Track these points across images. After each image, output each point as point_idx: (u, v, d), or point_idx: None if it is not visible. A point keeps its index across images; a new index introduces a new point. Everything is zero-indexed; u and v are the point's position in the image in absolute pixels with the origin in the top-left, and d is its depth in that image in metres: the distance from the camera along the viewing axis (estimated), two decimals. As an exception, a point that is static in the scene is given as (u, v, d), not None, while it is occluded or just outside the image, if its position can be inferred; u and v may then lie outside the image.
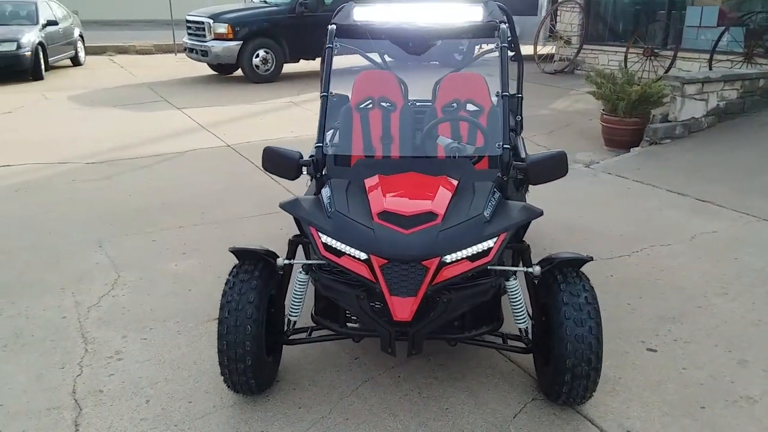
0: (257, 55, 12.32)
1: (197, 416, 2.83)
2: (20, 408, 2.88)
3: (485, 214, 2.69)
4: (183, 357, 3.27)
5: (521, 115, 4.36)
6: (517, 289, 2.82)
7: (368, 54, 4.45)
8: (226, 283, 2.79)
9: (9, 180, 6.29)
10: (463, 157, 3.20)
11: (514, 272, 2.79)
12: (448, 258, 2.57)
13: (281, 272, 2.89)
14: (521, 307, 2.85)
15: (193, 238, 4.76)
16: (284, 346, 3.09)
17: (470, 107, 3.97)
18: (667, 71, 10.37)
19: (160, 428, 2.76)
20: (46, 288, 4.02)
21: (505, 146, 2.92)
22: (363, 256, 2.58)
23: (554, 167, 2.85)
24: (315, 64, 14.30)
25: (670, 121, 7.26)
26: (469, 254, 2.60)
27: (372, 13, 3.43)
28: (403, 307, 2.55)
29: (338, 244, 2.64)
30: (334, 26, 3.37)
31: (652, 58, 10.96)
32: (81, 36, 15.10)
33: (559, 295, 2.72)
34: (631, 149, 7.14)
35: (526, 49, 14.06)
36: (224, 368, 2.76)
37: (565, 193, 5.78)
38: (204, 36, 12.39)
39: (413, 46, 4.55)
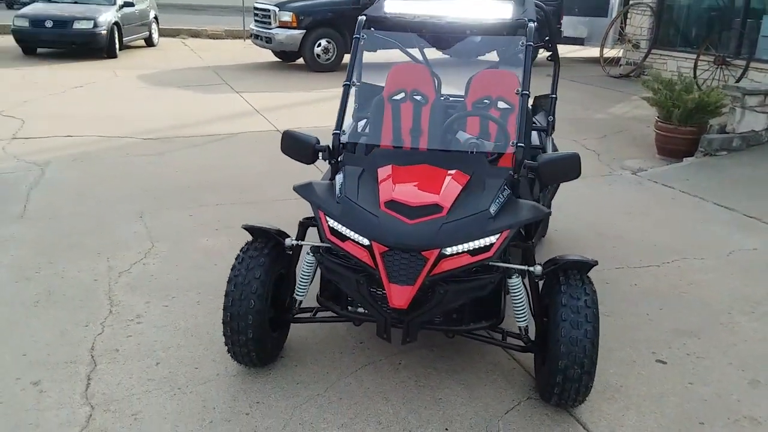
0: (319, 45, 12.54)
1: (200, 382, 2.97)
2: (41, 359, 3.09)
3: (491, 210, 2.71)
4: (198, 326, 3.41)
5: (553, 116, 4.32)
6: (519, 287, 2.83)
7: (406, 48, 4.48)
8: (236, 258, 2.90)
9: (70, 150, 6.65)
10: (480, 153, 3.21)
11: (517, 270, 2.80)
12: (449, 250, 2.60)
13: (290, 252, 2.98)
14: (522, 305, 2.85)
15: (227, 216, 4.93)
16: (291, 324, 3.19)
17: (501, 105, 3.96)
18: (737, 81, 9.96)
19: (164, 389, 2.91)
20: (84, 252, 4.26)
21: (519, 144, 2.92)
22: (365, 242, 2.65)
23: (566, 168, 2.83)
24: (374, 56, 14.37)
25: (727, 133, 7.00)
26: (470, 248, 2.63)
27: (403, 5, 3.48)
28: (400, 295, 2.60)
29: (343, 228, 2.72)
30: (364, 17, 3.43)
31: (723, 66, 10.54)
32: (156, 18, 15.69)
33: (559, 296, 2.71)
34: (684, 159, 6.92)
35: (593, 52, 13.81)
36: (228, 339, 2.88)
37: (605, 198, 5.69)
38: (269, 23, 12.68)
39: (441, 40, 4.55)
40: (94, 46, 12.70)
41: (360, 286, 2.70)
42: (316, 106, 9.41)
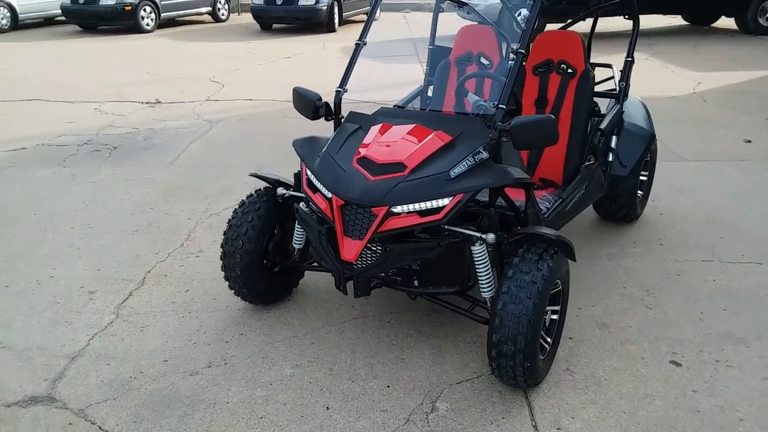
0: (519, 14, 12.21)
1: (209, 310, 3.37)
2: (107, 275, 3.75)
3: (450, 172, 2.65)
4: (239, 265, 3.81)
5: (627, 82, 3.87)
6: (481, 255, 2.72)
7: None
8: (239, 204, 3.22)
9: (241, 111, 7.56)
10: (477, 116, 3.08)
11: (479, 237, 2.69)
12: (398, 209, 2.61)
13: (281, 201, 3.20)
14: (485, 275, 2.74)
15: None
16: (306, 272, 3.42)
17: (564, 69, 3.71)
18: None
19: (179, 312, 3.36)
20: (196, 195, 4.93)
21: (500, 106, 2.77)
22: (328, 195, 2.78)
23: (539, 132, 2.62)
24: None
25: None
26: (420, 209, 2.61)
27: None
28: (350, 248, 2.69)
29: (316, 181, 2.87)
30: None
31: None
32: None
33: (508, 268, 2.57)
34: None
35: None
36: (225, 274, 3.22)
37: (746, 186, 4.92)
38: None
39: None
40: (315, 21, 13.92)
41: (321, 237, 2.84)
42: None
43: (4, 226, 4.43)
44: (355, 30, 14.55)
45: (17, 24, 15.35)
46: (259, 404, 2.66)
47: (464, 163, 2.67)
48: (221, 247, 3.16)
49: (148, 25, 14.92)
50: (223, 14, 17.19)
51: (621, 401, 2.64)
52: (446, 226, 2.69)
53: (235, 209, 3.19)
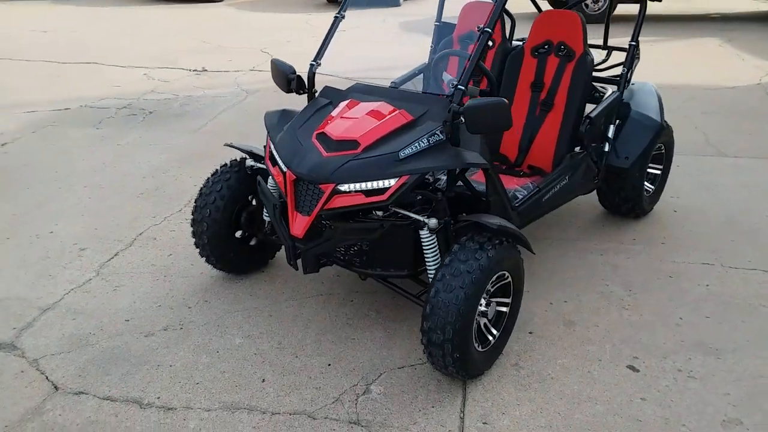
0: (589, -6, 11.74)
1: (183, 275, 3.45)
2: (102, 234, 3.90)
3: (400, 153, 2.58)
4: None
5: (629, 68, 3.64)
6: (428, 239, 2.66)
7: None
8: (211, 174, 3.26)
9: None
10: (445, 96, 2.97)
11: (423, 222, 2.63)
12: (344, 187, 2.58)
13: (250, 173, 3.22)
14: (432, 260, 2.67)
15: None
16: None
17: (562, 51, 3.54)
18: None
19: (155, 274, 3.46)
20: (209, 162, 4.99)
21: (458, 86, 2.67)
22: (284, 169, 2.77)
23: (492, 116, 2.50)
24: (660, 7, 12.99)
25: None
26: (365, 189, 2.56)
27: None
28: (298, 224, 2.69)
29: (276, 154, 2.87)
30: None
31: None
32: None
33: (446, 256, 2.50)
34: None
35: None
36: (194, 240, 3.28)
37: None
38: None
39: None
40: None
41: (275, 211, 2.84)
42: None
43: (25, 181, 4.67)
44: (419, 5, 14.36)
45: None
46: (199, 370, 2.72)
47: (416, 144, 2.60)
48: (192, 215, 3.21)
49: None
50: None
51: (560, 402, 2.54)
52: (393, 208, 2.64)
53: (208, 178, 3.23)
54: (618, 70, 3.78)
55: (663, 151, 4.04)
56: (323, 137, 2.71)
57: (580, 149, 3.43)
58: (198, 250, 3.27)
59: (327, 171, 2.56)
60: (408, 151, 2.57)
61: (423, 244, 2.67)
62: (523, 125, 3.62)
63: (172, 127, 5.99)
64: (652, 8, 13.00)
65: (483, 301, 2.56)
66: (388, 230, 2.64)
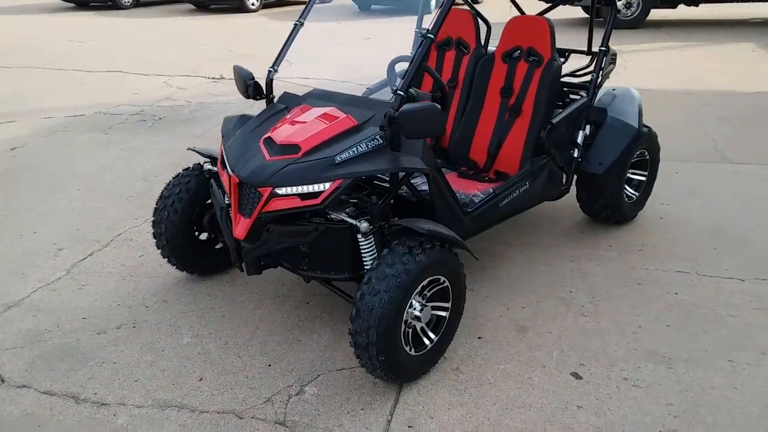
0: (620, -1, 11.52)
1: (150, 275, 3.51)
2: (82, 235, 4.00)
3: (336, 157, 2.58)
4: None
5: (599, 75, 3.55)
6: (366, 244, 2.65)
7: None
8: (174, 177, 3.32)
9: (292, 89, 7.70)
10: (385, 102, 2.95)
11: (354, 225, 2.62)
12: (281, 190, 2.59)
13: (207, 176, 3.26)
14: (369, 263, 2.66)
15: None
16: None
17: (532, 57, 3.49)
18: None
19: (123, 275, 3.53)
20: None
21: (398, 92, 2.65)
22: (230, 172, 2.81)
23: (425, 121, 2.48)
24: (698, 11, 12.71)
25: None
26: (301, 192, 2.57)
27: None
28: (240, 226, 2.71)
29: (225, 158, 2.91)
30: None
31: None
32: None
33: (377, 259, 2.49)
34: None
35: None
36: (155, 242, 3.34)
37: (766, 192, 4.40)
38: (572, -23, 12.10)
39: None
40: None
41: (222, 213, 2.88)
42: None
43: (25, 183, 4.84)
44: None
45: (138, 2, 16.51)
46: (141, 368, 2.76)
47: (354, 148, 2.59)
48: (153, 216, 3.27)
49: (253, 5, 15.51)
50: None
51: (492, 407, 2.48)
52: (330, 211, 2.64)
53: (169, 181, 3.29)
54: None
55: (647, 157, 3.92)
56: (269, 141, 2.73)
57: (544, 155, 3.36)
58: (159, 251, 3.32)
59: (266, 174, 2.57)
60: (345, 155, 2.56)
61: (360, 246, 2.65)
62: (492, 131, 3.57)
63: (176, 132, 6.12)
64: (689, 13, 12.70)
65: (417, 305, 2.53)
66: (324, 233, 2.64)
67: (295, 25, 3.29)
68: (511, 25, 3.57)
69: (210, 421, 2.45)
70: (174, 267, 3.40)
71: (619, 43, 10.24)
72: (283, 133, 2.72)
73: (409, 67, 2.66)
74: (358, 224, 2.57)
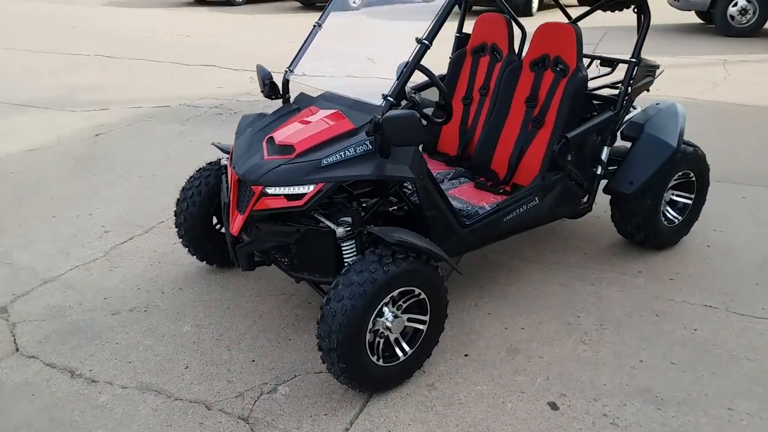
0: (735, 4, 10.75)
1: (176, 263, 3.71)
2: (129, 219, 4.27)
3: (323, 160, 2.63)
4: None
5: (626, 85, 3.33)
6: (348, 249, 2.68)
7: None
8: (197, 170, 3.49)
9: (360, 89, 7.80)
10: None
11: (332, 229, 2.65)
12: (270, 190, 2.68)
13: (223, 172, 3.38)
14: (351, 267, 2.68)
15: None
16: None
17: (559, 66, 3.37)
18: None
19: (153, 260, 3.75)
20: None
21: (388, 98, 2.65)
22: (232, 169, 2.93)
23: (406, 128, 2.47)
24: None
25: None
26: (287, 193, 2.65)
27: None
28: (235, 222, 2.83)
29: (233, 155, 3.04)
30: None
31: None
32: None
33: (347, 265, 2.51)
34: None
35: None
36: (177, 232, 3.52)
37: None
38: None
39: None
40: (515, 4, 13.59)
41: (224, 208, 3.00)
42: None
43: (97, 167, 5.24)
44: (552, 15, 13.91)
45: (251, -2, 17.26)
46: (138, 351, 2.93)
47: (342, 153, 2.62)
48: (176, 207, 3.45)
49: (354, 2, 15.78)
50: (432, -6, 17.54)
51: (454, 429, 2.44)
52: (314, 214, 2.69)
53: (191, 175, 3.46)
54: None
55: (692, 178, 3.66)
56: (271, 141, 2.82)
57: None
58: (180, 240, 3.50)
59: (259, 173, 2.66)
60: (332, 159, 2.60)
61: (343, 251, 2.68)
62: (515, 142, 3.47)
63: (246, 126, 6.36)
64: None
65: (389, 315, 2.52)
66: (306, 235, 2.69)
67: (314, 26, 3.35)
68: (540, 32, 3.45)
69: (180, 408, 2.56)
70: (194, 257, 3.56)
71: (729, 52, 9.56)
72: (283, 133, 2.80)
73: (401, 72, 2.65)
74: (335, 228, 2.60)
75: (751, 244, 3.81)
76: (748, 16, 10.78)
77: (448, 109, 2.91)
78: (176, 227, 3.44)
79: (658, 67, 3.56)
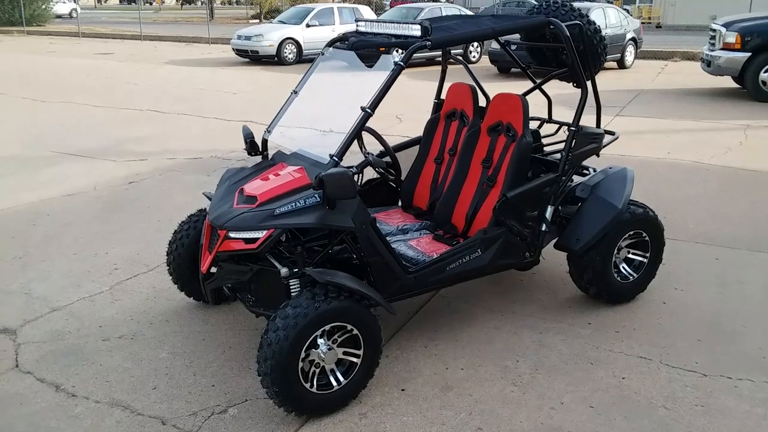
0: (767, 70, 10.88)
1: (171, 298, 4.12)
2: (139, 258, 4.76)
3: (276, 210, 3.03)
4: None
5: (567, 153, 3.62)
6: (294, 287, 3.05)
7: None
8: (187, 216, 3.95)
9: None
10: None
11: (278, 269, 3.03)
12: (232, 234, 3.10)
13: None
14: (298, 305, 3.05)
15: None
16: None
17: (510, 132, 3.73)
18: None
19: (150, 295, 4.19)
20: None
21: (335, 158, 3.05)
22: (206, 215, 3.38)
23: (338, 185, 2.86)
24: None
25: None
26: (245, 237, 3.06)
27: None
28: (205, 261, 3.26)
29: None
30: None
31: None
32: (634, 41, 15.95)
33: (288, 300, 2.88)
34: None
35: None
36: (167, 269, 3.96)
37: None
38: (714, 45, 11.66)
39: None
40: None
41: (200, 250, 3.43)
42: (695, 136, 8.58)
43: (124, 211, 5.80)
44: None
45: (301, 57, 18.24)
46: (117, 372, 3.34)
47: (294, 203, 3.02)
48: (168, 247, 3.91)
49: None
50: (474, 56, 18.14)
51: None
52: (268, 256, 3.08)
53: (182, 221, 3.91)
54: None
55: (645, 238, 3.89)
56: (241, 192, 3.25)
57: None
58: (171, 278, 3.94)
59: (225, 219, 3.08)
60: (284, 208, 3.01)
61: (291, 290, 3.05)
62: (471, 199, 3.80)
63: (265, 178, 6.87)
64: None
65: (324, 347, 2.86)
66: (258, 274, 3.08)
67: (292, 93, 3.81)
68: (495, 101, 3.82)
69: (139, 422, 2.94)
70: (182, 293, 3.99)
71: (754, 117, 9.66)
72: (252, 185, 3.23)
73: (345, 137, 3.05)
74: (280, 269, 2.98)
75: (706, 303, 3.97)
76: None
77: (395, 167, 3.26)
78: (167, 266, 3.88)
79: (604, 134, 3.86)
